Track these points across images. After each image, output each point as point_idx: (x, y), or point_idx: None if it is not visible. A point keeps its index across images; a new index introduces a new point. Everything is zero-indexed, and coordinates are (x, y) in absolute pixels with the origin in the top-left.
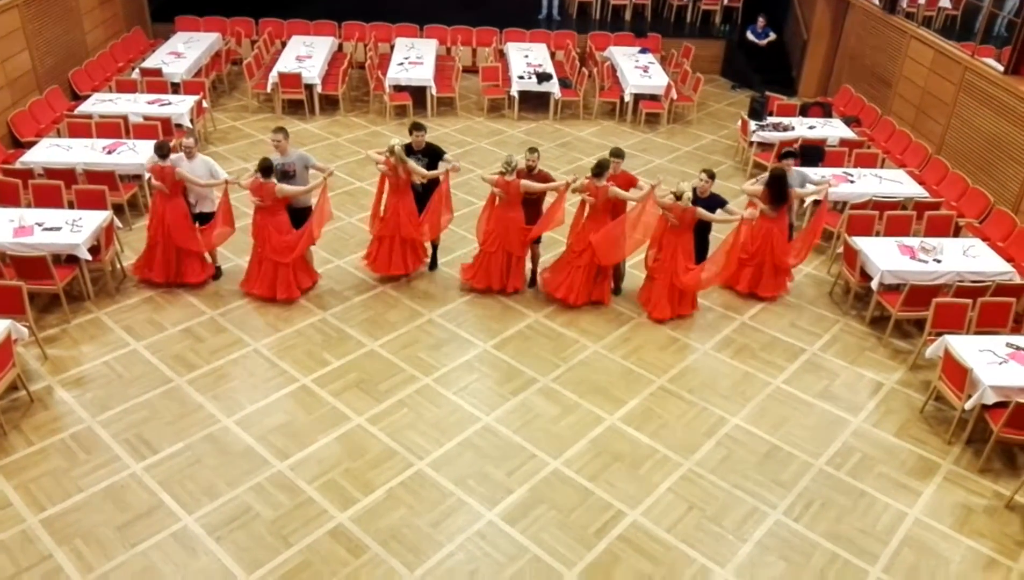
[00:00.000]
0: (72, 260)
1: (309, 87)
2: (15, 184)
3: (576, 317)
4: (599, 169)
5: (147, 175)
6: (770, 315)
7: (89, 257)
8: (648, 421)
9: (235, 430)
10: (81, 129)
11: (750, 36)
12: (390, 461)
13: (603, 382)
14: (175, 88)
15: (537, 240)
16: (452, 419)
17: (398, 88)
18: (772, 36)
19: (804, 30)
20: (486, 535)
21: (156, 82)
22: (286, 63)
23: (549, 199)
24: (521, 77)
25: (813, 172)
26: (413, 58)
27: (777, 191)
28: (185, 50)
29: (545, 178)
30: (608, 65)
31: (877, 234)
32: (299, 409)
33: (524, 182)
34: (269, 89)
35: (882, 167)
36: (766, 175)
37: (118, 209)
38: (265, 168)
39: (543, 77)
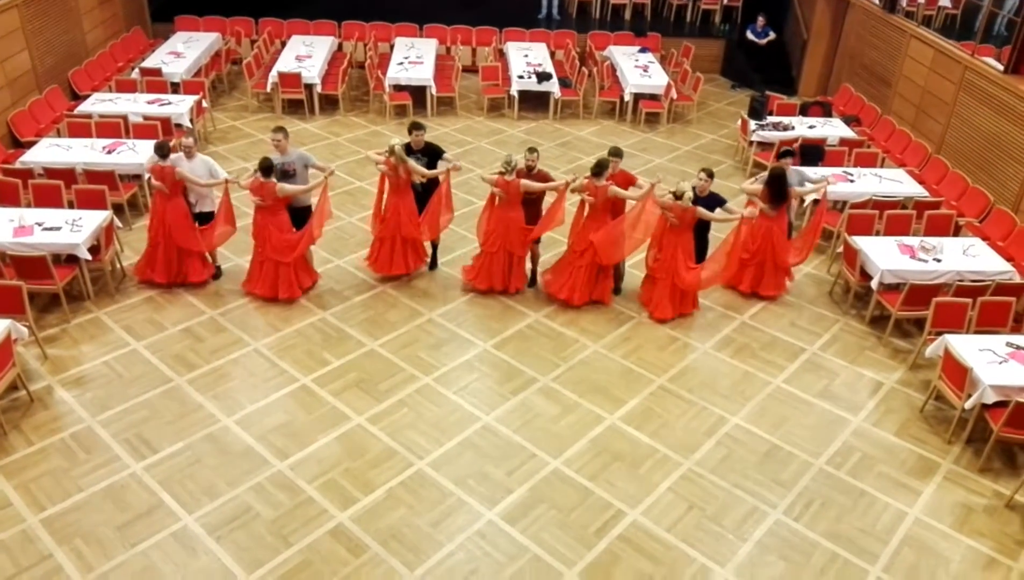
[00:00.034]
0: (72, 260)
1: (309, 87)
2: (15, 184)
3: (576, 317)
4: (598, 169)
5: (147, 175)
6: (770, 314)
7: (89, 257)
8: (648, 421)
9: (235, 430)
10: (81, 129)
11: (750, 35)
12: (390, 461)
13: (603, 382)
14: (175, 88)
15: (537, 240)
16: (452, 419)
17: (398, 88)
18: (772, 35)
19: (804, 29)
20: (486, 535)
21: (156, 82)
22: (286, 63)
23: (549, 199)
24: (521, 77)
25: (812, 172)
26: (413, 58)
27: (777, 190)
28: (185, 50)
29: (544, 178)
30: (608, 64)
31: (877, 233)
32: (299, 409)
33: (524, 182)
34: (269, 89)
35: (882, 166)
36: (765, 174)
37: (118, 209)
38: (266, 168)
39: (543, 76)
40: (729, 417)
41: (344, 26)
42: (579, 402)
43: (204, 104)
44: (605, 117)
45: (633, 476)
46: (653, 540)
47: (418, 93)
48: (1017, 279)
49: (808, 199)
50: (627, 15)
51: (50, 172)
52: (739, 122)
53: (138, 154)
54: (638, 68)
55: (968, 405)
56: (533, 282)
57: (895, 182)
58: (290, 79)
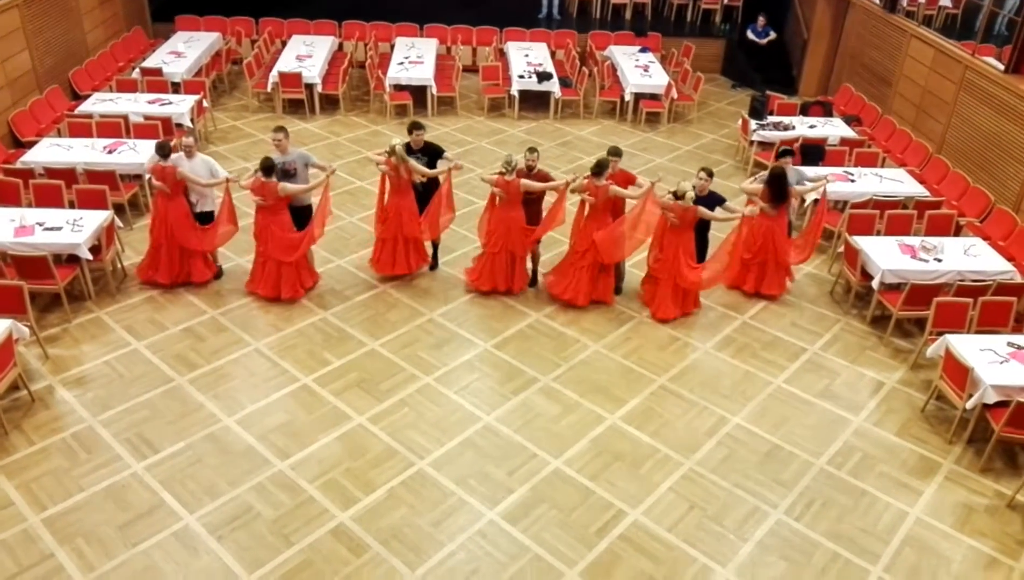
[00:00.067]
0: (73, 260)
1: (309, 86)
2: (16, 184)
3: (577, 316)
4: (598, 168)
5: (147, 176)
6: (771, 314)
7: (90, 257)
8: (649, 420)
9: (236, 429)
10: (82, 129)
11: (750, 35)
12: (391, 460)
13: (604, 381)
14: (175, 88)
15: (537, 239)
16: (453, 418)
17: (398, 87)
18: (772, 35)
19: (804, 29)
20: (487, 534)
21: (156, 82)
22: (286, 62)
23: (549, 199)
24: (521, 76)
25: (812, 172)
26: (413, 57)
27: (777, 189)
28: (185, 50)
29: (545, 178)
30: (608, 64)
31: (878, 233)
32: (300, 408)
33: (524, 182)
34: (269, 88)
35: (883, 166)
36: (765, 173)
37: (119, 209)
38: (267, 167)
39: (543, 76)
40: (730, 417)
41: (344, 26)
42: (580, 402)
43: (205, 104)
44: (606, 117)
45: (634, 476)
46: (654, 540)
47: (419, 93)
48: (1018, 279)
49: (809, 199)
50: (627, 15)
51: (51, 172)
52: (740, 122)
53: (139, 154)
54: (639, 68)
55: (969, 405)
56: (534, 282)
57: (896, 182)
58: (291, 79)
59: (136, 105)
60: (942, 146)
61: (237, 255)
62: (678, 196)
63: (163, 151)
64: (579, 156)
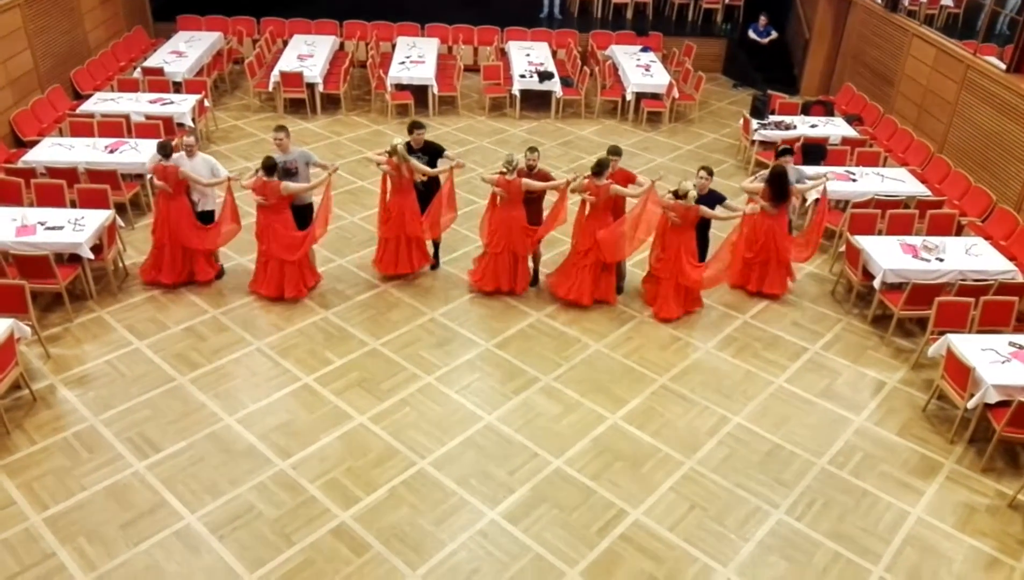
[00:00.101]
0: (74, 259)
1: (311, 86)
2: (17, 183)
3: (578, 316)
4: (599, 168)
5: (148, 175)
6: (772, 314)
7: (91, 256)
8: (650, 420)
9: (237, 429)
10: (83, 128)
11: (752, 34)
12: (392, 460)
13: (605, 381)
14: (177, 87)
15: (540, 239)
16: (454, 418)
17: (400, 87)
18: (774, 34)
19: (806, 28)
20: (488, 534)
21: (158, 81)
22: (288, 62)
23: (550, 197)
24: (523, 76)
25: (814, 171)
26: (415, 57)
27: (778, 188)
28: (187, 49)
29: (545, 177)
30: (610, 64)
31: (879, 233)
32: (301, 408)
33: (525, 181)
34: (271, 88)
35: (884, 166)
36: (766, 172)
37: (120, 208)
38: (269, 167)
39: (545, 76)
40: (731, 417)
41: (346, 25)
42: (581, 401)
43: (206, 103)
44: (607, 116)
45: (635, 476)
46: (655, 540)
47: (420, 92)
48: (1020, 278)
49: (810, 198)
50: (629, 14)
51: (52, 171)
52: (741, 121)
53: (140, 153)
54: (640, 67)
55: (971, 405)
56: (535, 281)
57: (897, 181)
58: (292, 78)
59: (137, 105)
60: (944, 145)
61: (238, 254)
62: (679, 195)
63: (165, 151)
64: (580, 155)
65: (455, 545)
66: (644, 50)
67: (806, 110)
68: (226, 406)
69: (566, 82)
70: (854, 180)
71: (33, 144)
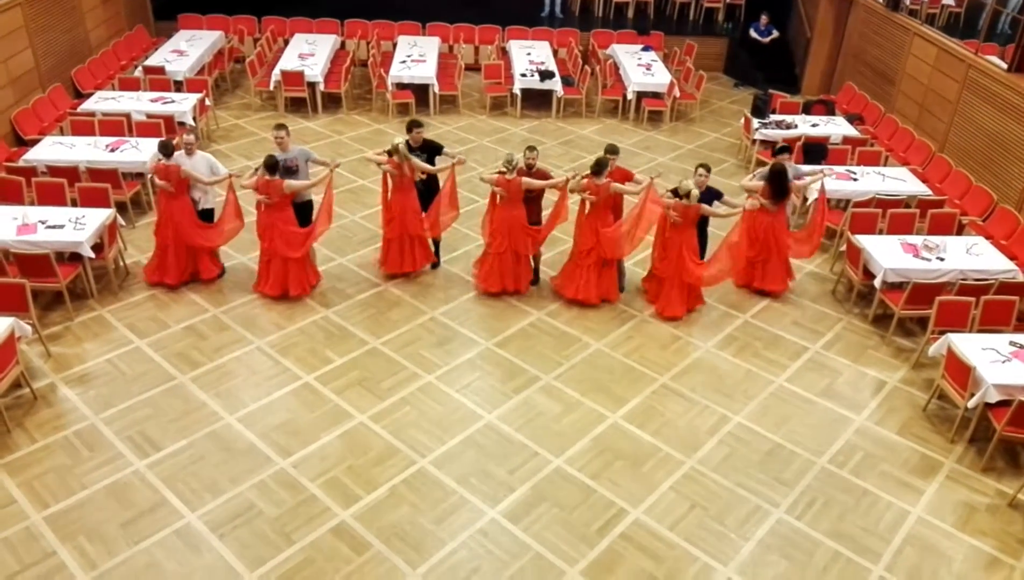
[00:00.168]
0: (75, 258)
1: (312, 85)
2: (18, 182)
3: (578, 315)
4: (598, 167)
5: (149, 175)
6: (773, 313)
7: (92, 255)
8: (650, 419)
9: (238, 427)
10: (84, 127)
11: (753, 34)
12: (392, 459)
13: (605, 380)
14: (178, 86)
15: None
16: (454, 417)
17: (401, 86)
18: (775, 34)
19: (807, 27)
20: (488, 533)
21: (159, 80)
22: (289, 61)
23: (550, 196)
24: (524, 75)
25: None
26: (416, 56)
27: (778, 186)
28: (188, 48)
29: (544, 175)
30: (611, 63)
31: (880, 232)
32: (302, 407)
33: (525, 180)
34: (272, 87)
35: (885, 165)
36: (765, 170)
37: (121, 207)
38: (271, 165)
39: (545, 75)
40: (731, 416)
41: (347, 24)
42: (581, 401)
43: (207, 102)
44: (608, 115)
45: (635, 475)
46: (655, 539)
47: (421, 91)
48: (1020, 278)
49: (811, 198)
50: (630, 13)
51: (53, 170)
52: (742, 121)
53: (141, 152)
54: (641, 66)
55: (971, 404)
56: (536, 280)
57: (898, 181)
58: (293, 77)
59: (138, 103)
60: (945, 145)
61: (239, 253)
62: (680, 195)
63: (166, 150)
64: (581, 155)
65: (455, 544)
66: (645, 49)
67: (807, 109)
68: (227, 405)
69: (567, 81)
70: (855, 179)
71: (34, 143)
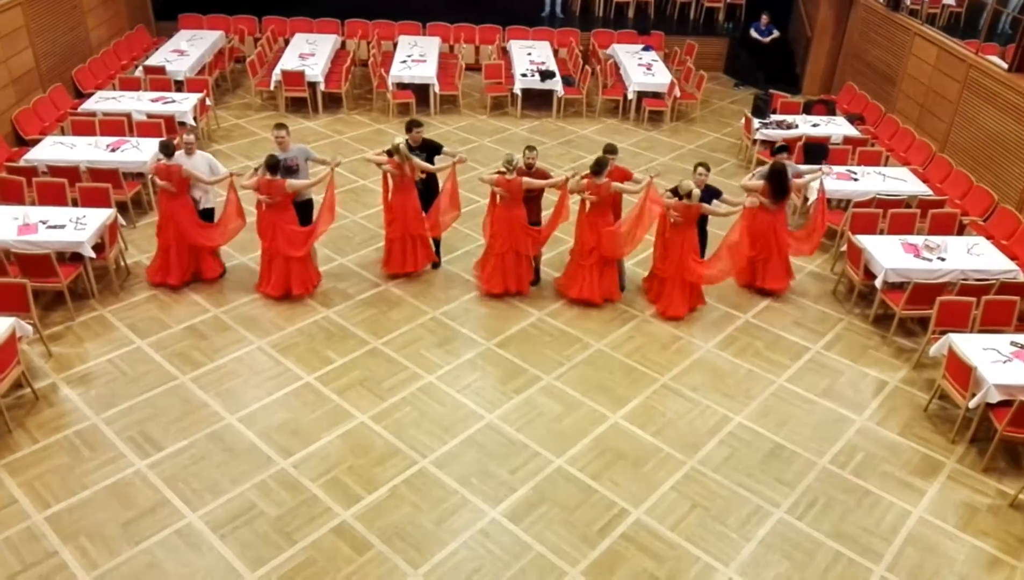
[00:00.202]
0: (76, 258)
1: (312, 85)
2: (19, 182)
3: (579, 315)
4: (598, 167)
5: (150, 176)
6: (773, 313)
7: (93, 255)
8: (651, 419)
9: (239, 427)
10: (85, 127)
11: (753, 33)
12: (393, 459)
13: (606, 380)
14: (178, 86)
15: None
16: (455, 417)
17: (401, 86)
18: (776, 33)
19: (808, 27)
20: (489, 533)
21: (160, 80)
22: (289, 61)
23: (549, 195)
24: (524, 75)
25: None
26: (416, 56)
27: (778, 185)
28: (188, 48)
29: (544, 175)
30: (611, 63)
31: (881, 232)
32: (302, 407)
33: (526, 179)
34: (272, 87)
35: (886, 165)
36: (765, 169)
37: (122, 207)
38: (272, 165)
39: (546, 75)
40: (732, 416)
41: (347, 24)
42: (582, 401)
43: (208, 102)
44: (608, 115)
45: (636, 475)
46: (656, 539)
47: (421, 91)
48: (1021, 278)
49: (811, 198)
50: (630, 13)
51: (54, 170)
52: (743, 120)
53: (142, 152)
54: (641, 66)
55: (972, 404)
56: (537, 280)
57: (899, 181)
58: (293, 77)
59: (139, 103)
60: (945, 145)
61: (240, 253)
62: (681, 194)
63: (167, 150)
64: (582, 155)
65: (456, 544)
66: (646, 49)
67: (808, 109)
68: (227, 405)
69: (567, 81)
70: (856, 179)
71: (35, 143)
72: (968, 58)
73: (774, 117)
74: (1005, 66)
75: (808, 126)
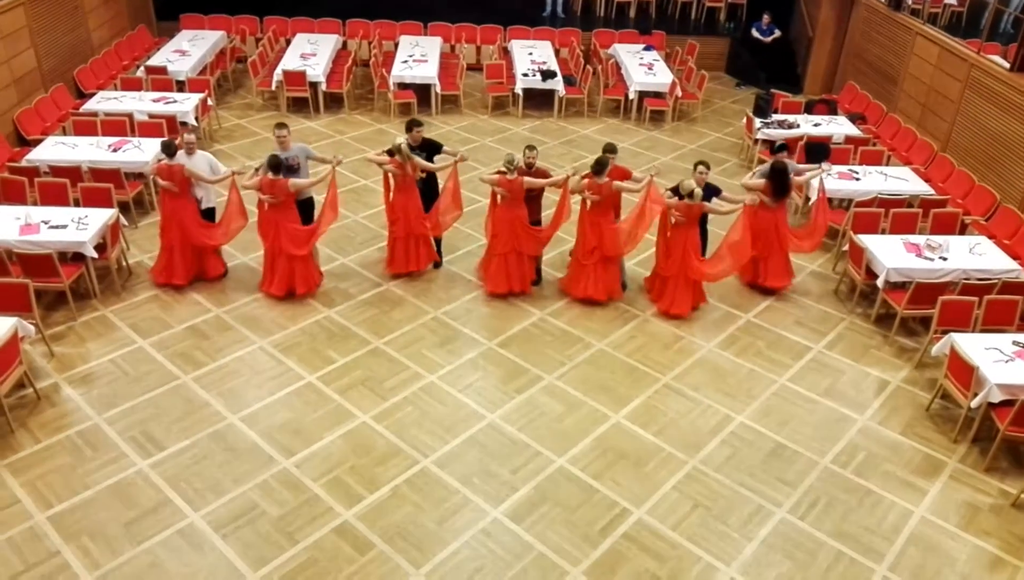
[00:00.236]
0: (78, 258)
1: (314, 85)
2: (21, 182)
3: (581, 315)
4: (599, 167)
5: (151, 176)
6: (775, 313)
7: (95, 255)
8: (653, 419)
9: (241, 427)
10: (87, 127)
11: (755, 33)
12: (395, 458)
13: (608, 380)
14: (180, 86)
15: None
16: (457, 417)
17: (402, 86)
18: (777, 33)
19: (809, 27)
20: (491, 533)
21: (161, 80)
22: (291, 61)
23: (549, 194)
24: (525, 75)
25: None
26: (417, 56)
27: (780, 183)
28: (190, 48)
29: (544, 174)
30: (612, 62)
31: (883, 232)
32: (304, 406)
33: (527, 179)
34: (274, 87)
35: (888, 164)
36: (765, 168)
37: (124, 207)
38: (275, 165)
39: (547, 75)
40: (734, 415)
41: (348, 24)
42: (584, 400)
43: (209, 102)
44: (610, 115)
45: (638, 474)
46: (658, 539)
47: (422, 91)
48: (1023, 277)
49: (813, 197)
50: (632, 13)
51: (56, 170)
52: (744, 120)
53: (144, 152)
54: (643, 66)
55: (974, 404)
56: (538, 280)
57: (901, 180)
58: (295, 77)
59: (141, 103)
60: (947, 144)
61: (242, 253)
62: (683, 194)
63: (169, 150)
64: (583, 154)
65: (458, 544)
66: (647, 49)
67: (809, 109)
68: (229, 405)
69: (569, 81)
70: (857, 179)
71: (37, 143)
72: (970, 57)
73: (776, 117)
74: (1007, 65)
75: (810, 126)
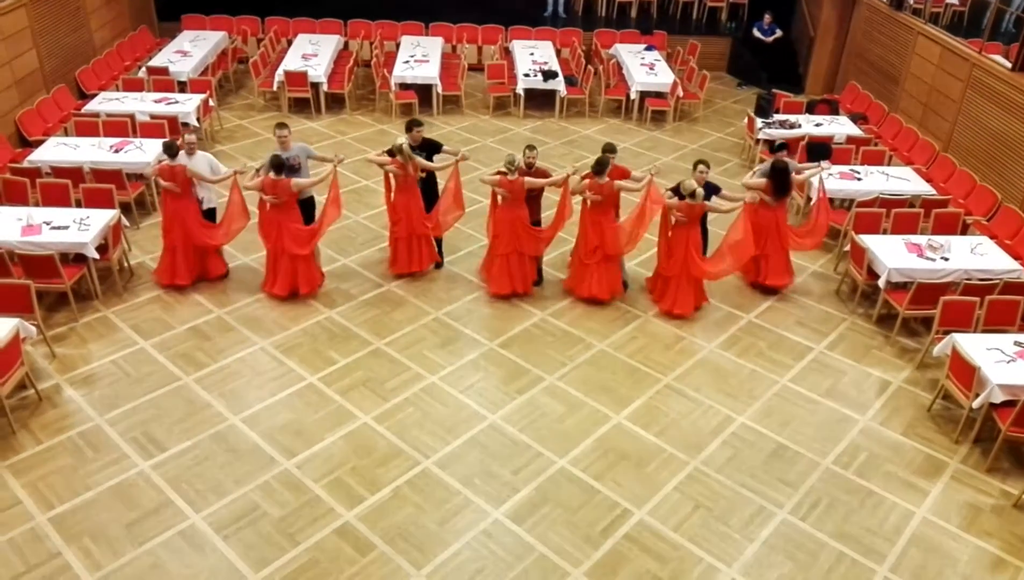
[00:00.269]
0: (80, 259)
1: (315, 85)
2: (23, 183)
3: (582, 315)
4: (600, 167)
5: (152, 177)
6: (776, 313)
7: (97, 256)
8: (654, 420)
9: (242, 428)
10: (88, 128)
11: (756, 33)
12: (396, 459)
13: (609, 380)
14: (182, 87)
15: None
16: (458, 418)
17: (404, 86)
18: (778, 33)
19: (811, 27)
20: (492, 534)
21: (163, 81)
22: (292, 61)
23: (549, 194)
24: (527, 75)
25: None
26: (419, 56)
27: (780, 183)
28: (191, 49)
29: (545, 174)
30: (614, 63)
31: (884, 232)
32: (306, 407)
33: (528, 179)
34: (275, 87)
35: (889, 164)
36: (766, 167)
37: (125, 208)
38: (277, 165)
39: (549, 75)
40: (735, 416)
41: (350, 24)
42: (585, 401)
43: (211, 103)
44: (611, 115)
45: (639, 475)
46: (659, 539)
47: (424, 91)
48: None
49: (814, 197)
50: (633, 13)
51: (58, 171)
52: (745, 120)
53: (145, 153)
54: (644, 66)
55: (976, 404)
56: (539, 281)
57: (902, 180)
58: (296, 78)
59: (142, 104)
60: (949, 144)
61: (243, 254)
62: (684, 194)
63: (171, 151)
64: (584, 154)
65: (459, 545)
66: (648, 49)
67: (811, 109)
68: (231, 406)
69: (570, 81)
70: (859, 179)
71: (38, 144)
72: (971, 57)
73: (777, 117)
74: (1009, 65)
75: (811, 126)
